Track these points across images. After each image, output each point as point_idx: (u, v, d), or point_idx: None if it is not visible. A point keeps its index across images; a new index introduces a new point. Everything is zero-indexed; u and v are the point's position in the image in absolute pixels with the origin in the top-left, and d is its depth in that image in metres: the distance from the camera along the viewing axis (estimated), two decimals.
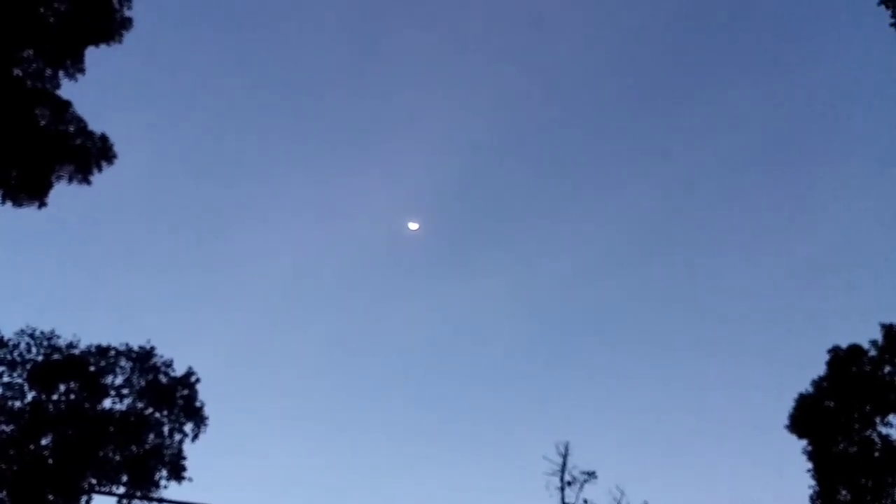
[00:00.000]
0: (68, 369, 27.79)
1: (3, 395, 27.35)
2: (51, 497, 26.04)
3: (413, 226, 58.27)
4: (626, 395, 60.33)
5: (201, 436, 29.11)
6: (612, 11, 61.83)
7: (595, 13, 61.53)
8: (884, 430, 28.20)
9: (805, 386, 29.73)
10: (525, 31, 63.39)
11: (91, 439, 27.10)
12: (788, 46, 62.79)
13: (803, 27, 61.05)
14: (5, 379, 27.64)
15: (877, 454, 27.84)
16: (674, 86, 65.80)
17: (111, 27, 22.57)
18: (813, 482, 28.82)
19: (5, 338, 28.17)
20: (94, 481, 27.52)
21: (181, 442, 28.74)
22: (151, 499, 27.83)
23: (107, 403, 28.36)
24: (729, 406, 60.02)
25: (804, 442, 29.37)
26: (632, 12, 61.20)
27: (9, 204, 22.33)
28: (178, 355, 29.76)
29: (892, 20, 18.52)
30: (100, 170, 23.47)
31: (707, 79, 65.87)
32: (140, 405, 28.57)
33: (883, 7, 18.50)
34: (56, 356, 28.04)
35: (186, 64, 60.32)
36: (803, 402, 29.52)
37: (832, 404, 29.02)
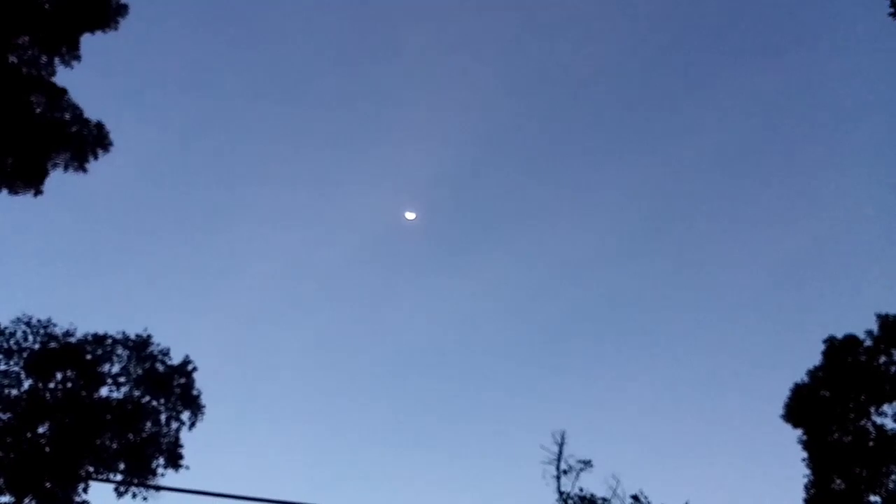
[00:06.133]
0: (65, 357, 27.72)
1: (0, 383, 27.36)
2: (48, 485, 26.04)
3: (410, 216, 58.17)
4: (622, 385, 60.62)
5: (198, 424, 29.14)
6: (600, 10, 61.73)
7: (583, 12, 61.45)
8: (878, 420, 28.32)
9: (801, 376, 29.86)
10: (517, 29, 63.27)
11: (88, 427, 27.07)
12: (780, 37, 62.69)
13: (796, 16, 60.94)
14: (2, 367, 27.61)
15: (871, 444, 27.94)
16: (665, 81, 65.82)
17: (107, 13, 22.47)
18: (808, 471, 28.96)
19: (2, 326, 28.16)
20: (91, 469, 27.51)
21: (178, 430, 28.71)
22: (148, 486, 27.85)
23: (104, 391, 28.32)
24: (725, 396, 60.41)
25: (799, 431, 29.48)
26: (618, 10, 61.11)
27: (5, 191, 22.29)
28: (175, 347, 29.72)
29: (891, 10, 18.42)
30: (95, 157, 23.43)
31: (697, 73, 65.82)
32: (137, 393, 28.51)
33: None
34: (53, 344, 27.97)
35: (184, 60, 60.13)
36: (799, 391, 29.59)
37: (828, 394, 29.09)
